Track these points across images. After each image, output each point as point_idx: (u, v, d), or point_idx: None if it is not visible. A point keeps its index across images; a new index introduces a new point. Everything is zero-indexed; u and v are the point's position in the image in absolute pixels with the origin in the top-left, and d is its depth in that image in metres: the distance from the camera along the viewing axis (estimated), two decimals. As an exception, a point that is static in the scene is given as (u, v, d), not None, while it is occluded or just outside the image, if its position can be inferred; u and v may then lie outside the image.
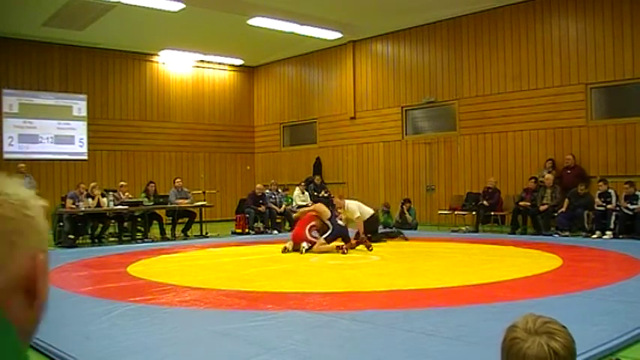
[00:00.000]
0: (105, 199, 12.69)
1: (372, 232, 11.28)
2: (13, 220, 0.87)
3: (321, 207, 10.78)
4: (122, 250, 11.09)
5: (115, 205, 12.67)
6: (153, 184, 14.08)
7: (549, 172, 12.72)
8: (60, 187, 15.79)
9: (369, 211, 11.41)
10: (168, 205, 13.61)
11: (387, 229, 13.11)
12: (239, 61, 19.88)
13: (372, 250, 10.07)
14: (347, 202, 11.28)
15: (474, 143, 14.89)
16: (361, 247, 10.37)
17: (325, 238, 10.25)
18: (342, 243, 10.22)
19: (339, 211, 11.01)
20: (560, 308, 5.13)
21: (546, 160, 13.18)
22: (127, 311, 5.44)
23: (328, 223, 10.37)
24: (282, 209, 14.95)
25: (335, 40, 16.81)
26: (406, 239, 11.72)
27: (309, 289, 6.57)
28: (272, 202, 14.80)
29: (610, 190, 11.44)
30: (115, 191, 13.40)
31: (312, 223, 10.48)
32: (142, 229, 13.25)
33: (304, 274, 7.88)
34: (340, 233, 10.38)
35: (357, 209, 11.15)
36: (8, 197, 0.88)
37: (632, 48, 12.30)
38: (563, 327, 1.36)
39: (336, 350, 4.23)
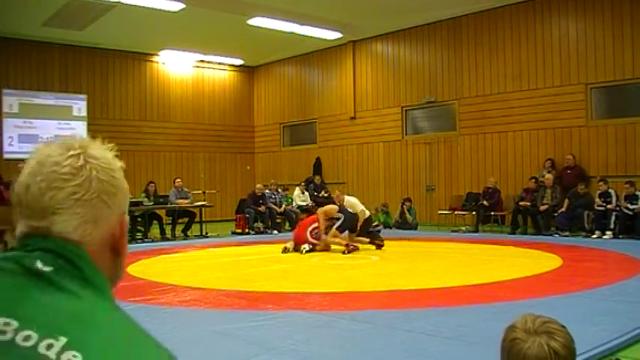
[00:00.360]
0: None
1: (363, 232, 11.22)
2: (106, 183, 0.95)
3: (327, 207, 10.77)
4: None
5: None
6: (153, 184, 14.07)
7: (549, 172, 12.73)
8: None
9: (366, 212, 11.39)
10: (168, 205, 13.61)
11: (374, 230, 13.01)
12: (239, 61, 19.88)
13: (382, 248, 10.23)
14: (346, 197, 11.31)
15: (474, 143, 14.89)
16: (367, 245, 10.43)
17: (337, 228, 10.24)
18: (347, 241, 10.19)
19: (338, 202, 11.05)
20: (560, 308, 5.13)
21: (545, 160, 13.18)
22: (127, 311, 5.39)
23: (339, 214, 10.40)
24: (282, 209, 14.95)
25: (335, 40, 16.80)
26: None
27: (309, 289, 6.57)
28: (272, 202, 14.81)
29: (610, 190, 11.45)
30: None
31: (315, 225, 10.48)
32: (142, 229, 13.24)
33: (304, 274, 7.88)
34: (352, 221, 10.39)
35: (358, 203, 11.15)
36: (99, 161, 0.96)
37: (632, 48, 12.30)
38: (563, 327, 1.36)
39: (336, 350, 4.22)
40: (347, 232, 10.55)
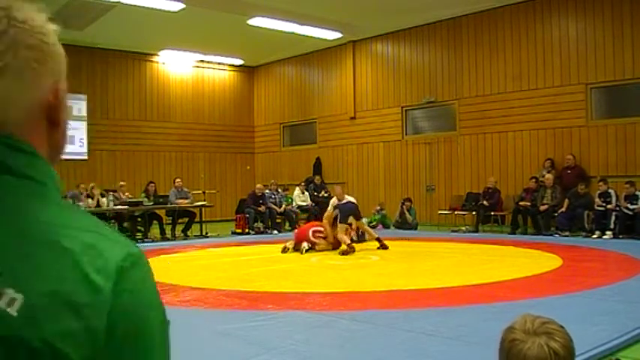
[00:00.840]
0: (105, 200, 12.70)
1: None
2: (34, 48, 0.84)
3: (328, 213, 10.83)
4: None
5: (115, 205, 12.68)
6: (153, 184, 14.08)
7: (548, 172, 12.73)
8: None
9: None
10: (168, 205, 13.61)
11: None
12: (239, 61, 19.88)
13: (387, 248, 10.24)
14: (346, 196, 11.42)
15: (474, 143, 14.89)
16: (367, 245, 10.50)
17: (340, 221, 10.33)
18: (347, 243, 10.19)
19: (337, 199, 11.19)
20: (560, 308, 5.13)
21: (545, 160, 13.18)
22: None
23: (336, 212, 10.51)
24: (282, 209, 14.96)
25: (335, 40, 16.80)
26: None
27: (309, 289, 6.57)
28: (272, 202, 14.81)
29: (610, 190, 11.45)
30: (114, 191, 13.41)
31: (317, 228, 10.51)
32: (142, 229, 13.25)
33: (304, 274, 7.88)
34: (351, 210, 10.50)
35: (356, 202, 11.26)
36: (25, 24, 0.84)
37: (632, 48, 12.30)
38: (561, 327, 1.36)
39: (336, 350, 4.22)
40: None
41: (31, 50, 0.83)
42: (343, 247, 9.99)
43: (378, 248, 10.23)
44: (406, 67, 16.38)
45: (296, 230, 11.42)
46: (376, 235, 10.62)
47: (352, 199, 11.29)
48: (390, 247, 10.32)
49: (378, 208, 15.11)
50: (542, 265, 7.92)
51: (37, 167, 0.81)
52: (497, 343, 1.41)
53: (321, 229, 10.51)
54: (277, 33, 15.71)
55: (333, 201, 11.28)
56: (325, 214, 10.88)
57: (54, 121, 0.87)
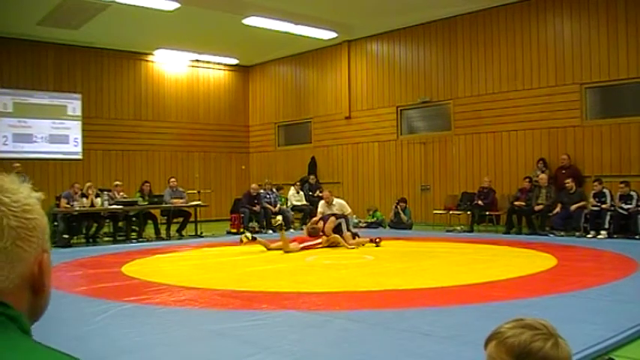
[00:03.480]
0: (99, 199, 12.66)
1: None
2: (20, 229, 0.92)
3: (331, 220, 10.92)
4: (117, 249, 11.07)
5: (109, 204, 12.64)
6: (148, 184, 14.05)
7: (542, 172, 12.76)
8: (54, 186, 15.73)
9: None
10: (163, 205, 13.58)
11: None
12: (234, 61, 19.85)
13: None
14: (335, 199, 11.56)
15: (468, 143, 14.90)
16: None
17: (349, 229, 10.79)
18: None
19: (325, 201, 11.29)
20: (554, 307, 5.14)
21: (538, 160, 13.21)
22: (122, 311, 5.43)
23: (340, 220, 10.76)
24: (276, 209, 14.94)
25: (330, 39, 16.80)
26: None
27: (304, 289, 6.57)
28: (267, 202, 14.79)
29: (604, 190, 11.48)
30: (109, 191, 13.37)
31: (309, 243, 10.53)
32: (137, 228, 13.22)
33: (299, 273, 7.88)
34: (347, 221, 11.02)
35: (347, 205, 11.43)
36: (9, 207, 0.92)
37: (626, 48, 12.34)
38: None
39: (331, 350, 4.22)
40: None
41: (16, 230, 0.92)
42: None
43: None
44: (401, 67, 16.38)
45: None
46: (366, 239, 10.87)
47: (342, 201, 11.38)
48: (384, 247, 10.34)
49: (370, 212, 15.24)
50: (536, 264, 7.93)
51: (22, 323, 0.91)
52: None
53: (310, 243, 10.52)
54: (272, 32, 15.70)
55: (322, 203, 11.32)
56: (329, 225, 10.88)
57: (37, 289, 0.97)
